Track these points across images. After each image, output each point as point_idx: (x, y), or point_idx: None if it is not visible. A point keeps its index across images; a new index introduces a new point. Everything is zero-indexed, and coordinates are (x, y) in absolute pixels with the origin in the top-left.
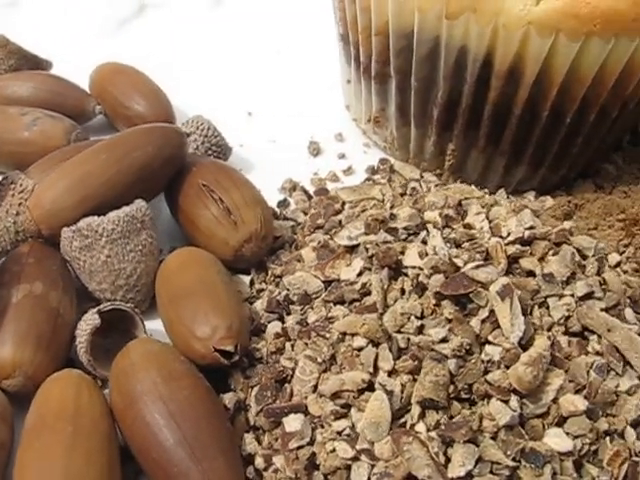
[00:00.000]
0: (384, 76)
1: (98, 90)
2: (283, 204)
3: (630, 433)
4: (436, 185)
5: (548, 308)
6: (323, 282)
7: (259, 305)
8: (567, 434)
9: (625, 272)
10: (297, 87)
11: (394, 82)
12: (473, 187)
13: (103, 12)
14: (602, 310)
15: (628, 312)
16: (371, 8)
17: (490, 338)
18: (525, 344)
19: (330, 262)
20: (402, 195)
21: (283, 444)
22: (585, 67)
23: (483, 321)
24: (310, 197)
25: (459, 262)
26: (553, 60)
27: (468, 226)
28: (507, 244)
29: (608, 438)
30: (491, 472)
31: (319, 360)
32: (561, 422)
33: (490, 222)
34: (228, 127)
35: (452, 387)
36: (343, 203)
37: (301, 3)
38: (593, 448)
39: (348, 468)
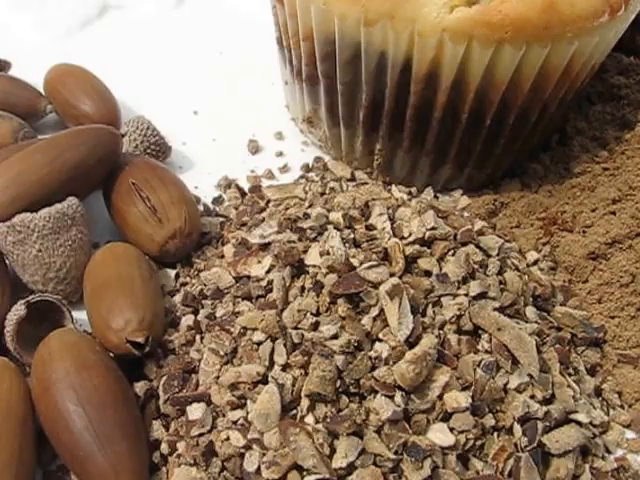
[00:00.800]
0: (314, 79)
1: (50, 90)
2: (218, 201)
3: (517, 429)
4: (355, 184)
5: (441, 307)
6: (234, 278)
7: (177, 299)
8: (452, 429)
9: (542, 270)
10: (241, 87)
11: (322, 85)
12: (382, 189)
13: (66, 13)
14: (495, 310)
15: (529, 310)
16: (297, 14)
17: (380, 336)
18: (413, 342)
19: (243, 259)
20: (322, 195)
21: (186, 431)
22: (500, 72)
23: (374, 319)
24: (244, 194)
25: (355, 262)
26: (468, 65)
27: (370, 227)
28: (407, 244)
29: (496, 434)
30: (375, 464)
31: (221, 353)
32: (446, 418)
33: (393, 223)
34: (174, 126)
35: (340, 382)
36: (268, 201)
37: (247, 6)
38: (479, 443)
39: (242, 456)
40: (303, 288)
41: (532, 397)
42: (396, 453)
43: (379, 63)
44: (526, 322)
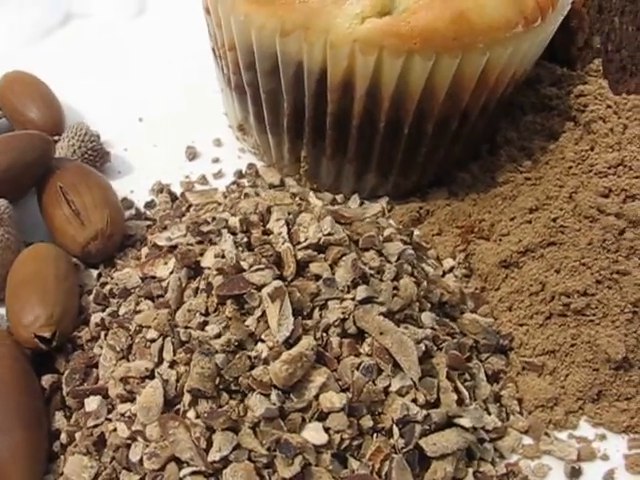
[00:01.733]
0: (241, 88)
1: (1, 97)
2: (149, 205)
3: (395, 431)
4: (272, 187)
5: (327, 310)
6: (141, 278)
7: (92, 297)
8: (328, 429)
9: (456, 277)
10: (187, 95)
11: (249, 94)
12: (286, 194)
13: (28, 21)
14: (382, 314)
15: (425, 316)
16: (222, 25)
17: (263, 336)
18: (293, 343)
19: (151, 260)
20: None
21: (83, 422)
22: (413, 82)
23: (258, 320)
24: (175, 199)
25: (245, 265)
26: (381, 75)
27: (267, 232)
28: (300, 249)
29: (376, 435)
30: (250, 459)
31: (118, 349)
32: (322, 417)
33: (291, 228)
34: (119, 132)
35: (220, 379)
36: (189, 206)
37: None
38: (356, 443)
39: (128, 446)
40: (197, 289)
41: (414, 400)
42: (269, 449)
43: (296, 73)
44: (420, 327)
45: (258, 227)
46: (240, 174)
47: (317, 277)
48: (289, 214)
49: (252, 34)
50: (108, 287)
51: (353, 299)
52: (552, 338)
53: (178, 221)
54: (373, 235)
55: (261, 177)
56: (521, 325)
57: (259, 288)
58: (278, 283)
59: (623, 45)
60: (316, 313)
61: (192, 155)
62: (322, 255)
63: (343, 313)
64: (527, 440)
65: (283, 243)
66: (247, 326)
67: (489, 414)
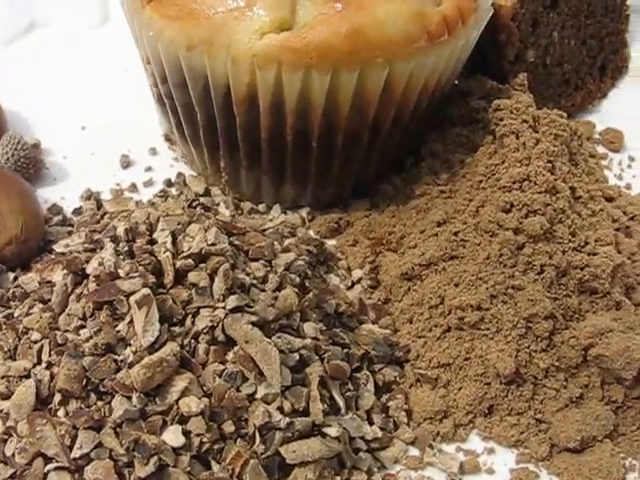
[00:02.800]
0: (161, 100)
1: None
2: (77, 211)
3: (257, 437)
4: (198, 196)
5: (199, 318)
6: (39, 283)
7: None
8: (189, 432)
9: (363, 288)
10: (130, 104)
11: (168, 106)
12: (179, 206)
13: None
14: (253, 323)
15: (308, 326)
16: (138, 39)
17: (131, 341)
18: (158, 348)
19: (50, 266)
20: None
21: None
22: (314, 96)
23: (129, 326)
24: (101, 206)
25: (122, 273)
26: (282, 89)
27: (152, 241)
28: (181, 258)
29: (239, 440)
30: (112, 458)
31: (5, 349)
32: (184, 420)
33: (177, 238)
34: (61, 140)
35: (87, 381)
36: (104, 214)
37: None
38: (218, 447)
39: (5, 441)
40: (80, 294)
41: (280, 408)
42: (127, 449)
43: (204, 87)
44: (299, 337)
45: (144, 236)
46: (169, 183)
47: (194, 286)
48: (178, 224)
49: (161, 49)
50: (12, 290)
51: (225, 308)
52: (448, 351)
53: (84, 229)
54: (262, 246)
55: (188, 186)
56: (420, 337)
57: (129, 295)
58: (146, 291)
59: (565, 59)
60: (188, 320)
61: (126, 163)
62: (204, 264)
63: (212, 321)
64: (415, 452)
65: (164, 252)
66: (118, 331)
67: (372, 424)
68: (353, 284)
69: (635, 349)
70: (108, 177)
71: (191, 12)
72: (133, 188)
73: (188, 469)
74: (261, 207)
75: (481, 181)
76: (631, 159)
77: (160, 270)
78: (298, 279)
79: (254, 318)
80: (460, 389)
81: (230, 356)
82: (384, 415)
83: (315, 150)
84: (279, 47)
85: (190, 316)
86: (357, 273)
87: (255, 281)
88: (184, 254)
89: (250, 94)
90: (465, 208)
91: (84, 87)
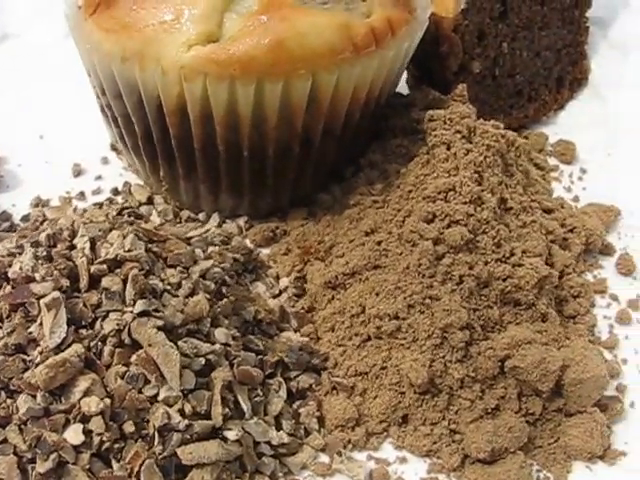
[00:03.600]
0: (103, 110)
1: None
2: (26, 218)
3: (156, 438)
4: (141, 204)
5: (107, 321)
6: None
7: None
8: (90, 431)
9: (289, 296)
10: (87, 113)
11: (109, 116)
12: (102, 212)
13: None
14: (158, 328)
15: (219, 332)
16: (79, 50)
17: (41, 342)
18: (64, 349)
19: None
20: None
21: None
22: (241, 107)
23: (40, 327)
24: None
25: (37, 276)
26: (210, 101)
27: (72, 247)
28: (97, 264)
29: (140, 440)
30: (15, 454)
31: None
32: (86, 419)
33: (96, 244)
34: (18, 148)
35: None
36: (44, 220)
37: None
38: (118, 446)
39: None
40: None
41: (181, 410)
42: (30, 446)
43: (138, 98)
44: (209, 342)
45: (65, 242)
46: (116, 191)
47: (106, 290)
48: (99, 231)
49: (98, 61)
50: None
51: (132, 312)
52: (366, 360)
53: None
54: (181, 253)
55: (132, 195)
56: (340, 346)
57: (40, 298)
58: (56, 294)
59: (517, 70)
60: (98, 323)
61: (77, 172)
62: (119, 270)
63: (118, 324)
64: (326, 459)
65: (81, 257)
66: (30, 332)
67: (280, 430)
68: (280, 292)
69: (551, 361)
70: (59, 185)
71: (125, 25)
72: (81, 196)
73: (88, 467)
74: (201, 216)
75: (410, 191)
76: (583, 171)
77: (76, 275)
78: (213, 286)
79: (160, 322)
80: (375, 398)
81: (133, 358)
82: (294, 421)
83: (247, 160)
84: (204, 59)
85: (100, 319)
86: (284, 281)
87: (169, 287)
88: (100, 260)
89: (180, 105)
90: (392, 218)
91: (45, 97)
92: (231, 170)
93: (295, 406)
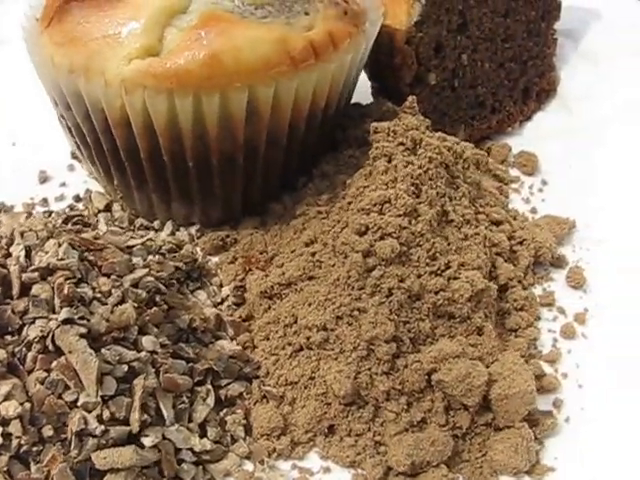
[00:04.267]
0: (59, 120)
1: None
2: None
3: (73, 442)
4: (99, 211)
5: (33, 327)
6: None
7: None
8: (8, 434)
9: (228, 305)
10: (54, 121)
11: (64, 126)
12: (44, 220)
13: None
14: (81, 335)
15: (146, 339)
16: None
17: None
18: None
19: None
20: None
21: None
22: (181, 119)
23: None
24: None
25: None
26: (151, 113)
27: (7, 254)
28: (29, 271)
29: (59, 444)
30: None
31: None
32: (6, 423)
33: (32, 252)
34: None
35: None
36: None
37: None
38: (37, 449)
39: None
40: None
41: (99, 416)
42: None
43: (85, 108)
44: (135, 350)
45: (2, 250)
46: (77, 198)
47: (34, 297)
48: (37, 239)
49: (49, 73)
50: None
51: (57, 319)
52: (296, 370)
53: None
54: (115, 262)
55: (92, 202)
56: (273, 355)
57: None
58: None
59: (479, 82)
60: (25, 330)
61: (43, 179)
62: (51, 278)
63: (42, 331)
64: (252, 466)
65: (14, 265)
66: None
67: (204, 437)
68: (222, 300)
69: (476, 376)
70: (25, 191)
71: (73, 39)
72: (44, 202)
73: (5, 468)
74: (156, 223)
75: (350, 203)
76: (544, 183)
77: (10, 282)
78: (145, 294)
79: (83, 330)
80: (303, 407)
81: (54, 365)
82: (220, 429)
83: (194, 170)
84: (143, 72)
85: (27, 326)
86: (225, 290)
87: (99, 295)
88: (32, 268)
89: (124, 117)
90: (331, 230)
91: (16, 105)
92: (179, 180)
93: (222, 414)
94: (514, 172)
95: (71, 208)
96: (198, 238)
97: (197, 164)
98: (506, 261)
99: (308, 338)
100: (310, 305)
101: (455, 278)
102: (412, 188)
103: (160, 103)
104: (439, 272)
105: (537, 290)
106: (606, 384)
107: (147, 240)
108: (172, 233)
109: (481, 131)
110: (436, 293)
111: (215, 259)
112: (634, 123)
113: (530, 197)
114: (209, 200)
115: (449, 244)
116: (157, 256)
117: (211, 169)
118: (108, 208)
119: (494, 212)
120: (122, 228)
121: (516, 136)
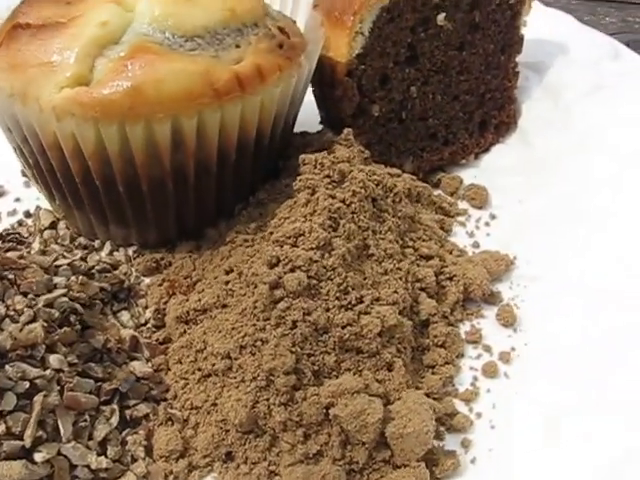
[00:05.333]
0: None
1: None
2: None
3: None
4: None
5: None
6: None
7: None
8: None
9: (148, 328)
10: None
11: (11, 147)
12: None
13: None
14: None
15: (53, 358)
16: None
17: None
18: None
19: None
20: None
21: None
22: (109, 145)
23: None
24: None
25: None
26: (79, 139)
27: None
28: None
29: None
30: None
31: None
32: None
33: None
34: None
35: None
36: None
37: None
38: None
39: None
40: None
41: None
42: None
43: (22, 132)
44: (40, 368)
45: None
46: (28, 214)
47: None
48: None
49: None
50: None
51: None
52: (202, 395)
53: None
54: (33, 281)
55: (39, 218)
56: (183, 379)
57: None
58: None
59: (430, 114)
60: None
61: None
62: None
63: None
64: None
65: None
66: None
67: (102, 455)
68: (146, 322)
69: (371, 413)
70: None
71: (14, 65)
72: None
73: None
74: (96, 243)
75: (272, 233)
76: (492, 217)
77: None
78: (58, 314)
79: None
80: (204, 432)
81: None
82: (121, 448)
83: (125, 195)
84: (71, 100)
85: None
86: (147, 313)
87: (13, 313)
88: None
89: (56, 142)
90: (248, 259)
91: None
92: (112, 203)
93: (124, 433)
94: (463, 205)
95: (20, 224)
96: (134, 259)
97: (128, 189)
98: (431, 297)
99: (213, 365)
100: (220, 332)
101: (366, 313)
102: (329, 222)
103: (87, 130)
104: (349, 306)
105: (465, 327)
106: (519, 427)
107: (75, 260)
108: (110, 253)
109: (432, 162)
110: (343, 327)
111: (147, 280)
112: (589, 158)
113: (475, 231)
114: (143, 224)
115: (365, 278)
116: (81, 277)
117: (142, 194)
118: (54, 226)
119: (425, 247)
120: (63, 246)
121: (471, 168)
